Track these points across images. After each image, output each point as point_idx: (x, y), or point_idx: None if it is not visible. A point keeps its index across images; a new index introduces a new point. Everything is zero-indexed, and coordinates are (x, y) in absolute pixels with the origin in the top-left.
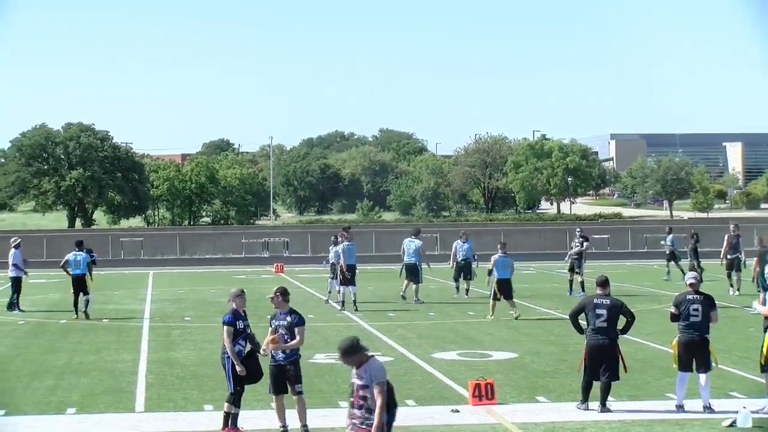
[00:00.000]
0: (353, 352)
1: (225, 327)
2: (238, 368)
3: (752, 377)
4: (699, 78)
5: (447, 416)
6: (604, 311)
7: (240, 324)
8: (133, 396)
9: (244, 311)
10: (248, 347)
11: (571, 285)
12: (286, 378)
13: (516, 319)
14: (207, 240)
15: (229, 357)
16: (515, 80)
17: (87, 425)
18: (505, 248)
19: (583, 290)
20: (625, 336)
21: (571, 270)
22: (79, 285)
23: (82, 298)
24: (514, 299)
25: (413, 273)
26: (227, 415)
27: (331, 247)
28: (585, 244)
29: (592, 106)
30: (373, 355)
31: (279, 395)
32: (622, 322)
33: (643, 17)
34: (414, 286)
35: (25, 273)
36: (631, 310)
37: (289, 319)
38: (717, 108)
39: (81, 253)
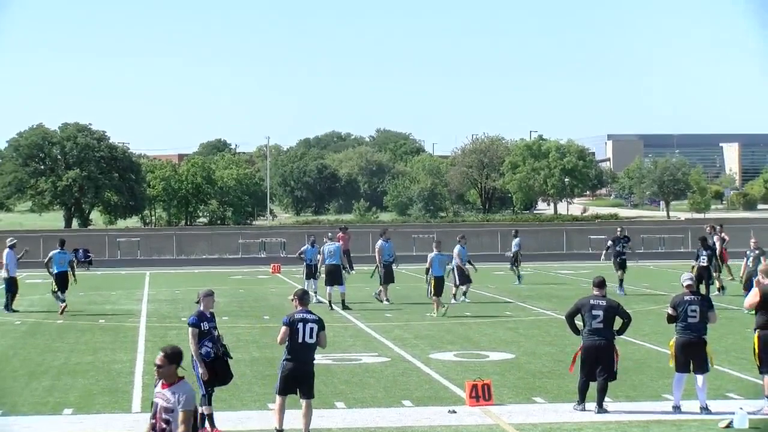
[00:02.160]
0: (177, 360)
1: (189, 329)
2: (200, 370)
3: (749, 378)
4: (696, 79)
5: (444, 417)
6: (600, 312)
7: (205, 325)
8: (129, 396)
9: (212, 312)
10: (215, 349)
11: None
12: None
13: (443, 315)
14: (204, 240)
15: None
16: (512, 81)
17: (84, 426)
18: (440, 246)
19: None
20: (621, 337)
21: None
22: (63, 282)
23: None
24: (441, 297)
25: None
26: (202, 415)
27: (305, 247)
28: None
29: (590, 107)
30: (184, 378)
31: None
32: (618, 323)
33: (640, 18)
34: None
35: (8, 274)
36: (628, 311)
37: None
38: (714, 109)
39: (65, 251)
